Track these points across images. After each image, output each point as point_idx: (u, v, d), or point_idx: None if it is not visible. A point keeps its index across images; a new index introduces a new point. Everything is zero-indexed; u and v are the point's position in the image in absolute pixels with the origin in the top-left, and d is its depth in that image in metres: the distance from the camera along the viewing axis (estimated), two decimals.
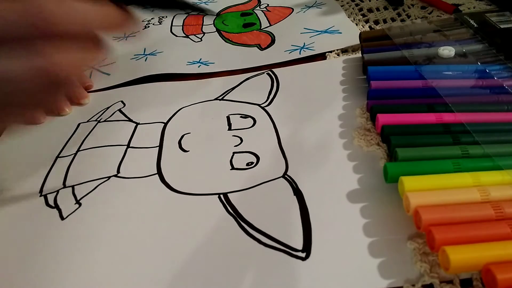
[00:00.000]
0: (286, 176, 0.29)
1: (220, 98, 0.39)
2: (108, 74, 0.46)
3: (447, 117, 0.29)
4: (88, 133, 0.37)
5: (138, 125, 0.37)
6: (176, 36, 0.52)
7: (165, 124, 0.37)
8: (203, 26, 0.54)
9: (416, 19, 0.46)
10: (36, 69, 0.18)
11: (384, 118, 0.29)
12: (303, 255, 0.24)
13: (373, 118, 0.31)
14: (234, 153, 0.32)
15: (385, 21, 0.47)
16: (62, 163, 0.34)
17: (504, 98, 0.30)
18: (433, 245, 0.21)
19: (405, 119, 0.29)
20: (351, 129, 0.32)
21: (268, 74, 0.41)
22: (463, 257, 0.20)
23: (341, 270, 0.23)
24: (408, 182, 0.24)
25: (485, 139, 0.26)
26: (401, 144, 0.27)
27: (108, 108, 0.40)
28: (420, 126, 0.29)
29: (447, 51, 0.35)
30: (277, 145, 0.32)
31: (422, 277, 0.22)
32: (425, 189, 0.24)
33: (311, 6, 0.53)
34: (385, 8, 0.50)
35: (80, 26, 0.19)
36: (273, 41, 0.48)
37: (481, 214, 0.22)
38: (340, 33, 0.46)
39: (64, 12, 0.18)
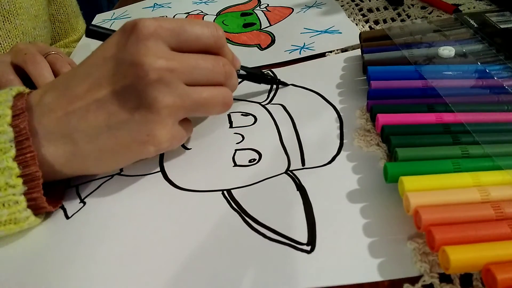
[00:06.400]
0: (288, 172, 0.29)
1: None
2: None
3: (447, 117, 0.29)
4: None
5: None
6: None
7: None
8: None
9: (416, 19, 0.46)
10: (221, 66, 0.29)
11: (384, 118, 0.29)
12: (308, 248, 0.24)
13: (373, 118, 0.31)
14: (236, 150, 0.32)
15: (385, 21, 0.47)
16: None
17: (504, 98, 0.30)
18: (433, 245, 0.21)
19: (405, 119, 0.29)
20: (351, 130, 0.32)
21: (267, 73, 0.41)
22: (463, 257, 0.20)
23: (341, 269, 0.23)
24: (408, 182, 0.24)
25: (485, 139, 0.26)
26: (401, 144, 0.27)
27: None
28: (420, 126, 0.29)
29: (447, 51, 0.34)
30: (279, 142, 0.32)
31: (422, 277, 0.22)
32: (425, 189, 0.24)
33: (311, 6, 0.53)
34: (385, 8, 0.50)
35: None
36: (273, 41, 0.48)
37: (481, 214, 0.22)
38: (340, 33, 0.46)
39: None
